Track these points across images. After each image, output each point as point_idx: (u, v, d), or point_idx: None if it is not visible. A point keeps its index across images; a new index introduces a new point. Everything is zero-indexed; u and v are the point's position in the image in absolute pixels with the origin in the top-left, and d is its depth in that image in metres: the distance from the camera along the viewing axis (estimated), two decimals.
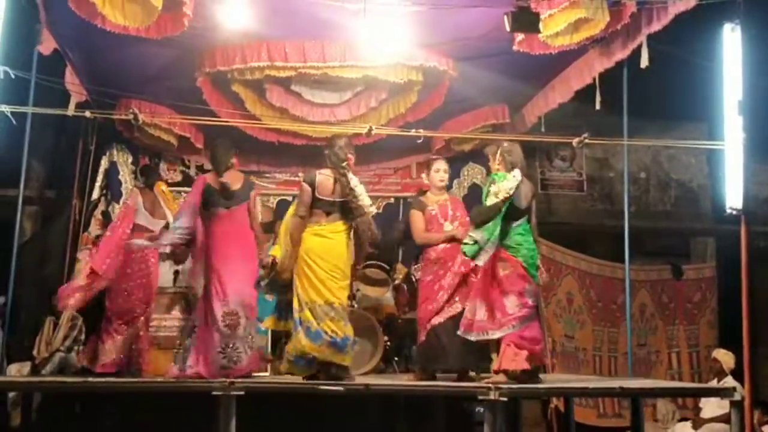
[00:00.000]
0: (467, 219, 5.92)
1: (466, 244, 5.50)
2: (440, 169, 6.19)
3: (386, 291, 7.84)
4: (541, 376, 7.10)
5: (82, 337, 7.36)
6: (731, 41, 6.10)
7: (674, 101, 9.52)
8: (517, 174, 5.50)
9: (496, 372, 5.47)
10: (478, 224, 5.47)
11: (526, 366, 5.39)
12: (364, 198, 5.62)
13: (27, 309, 8.07)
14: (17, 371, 7.17)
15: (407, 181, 9.28)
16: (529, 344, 5.42)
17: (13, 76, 6.15)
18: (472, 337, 5.52)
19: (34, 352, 7.26)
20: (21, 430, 6.71)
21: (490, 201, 5.46)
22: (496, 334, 5.45)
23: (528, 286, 5.47)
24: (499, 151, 5.67)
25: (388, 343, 7.45)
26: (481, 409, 5.85)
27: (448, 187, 9.03)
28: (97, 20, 5.79)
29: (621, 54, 6.52)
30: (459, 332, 5.59)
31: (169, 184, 8.58)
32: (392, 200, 9.21)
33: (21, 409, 6.75)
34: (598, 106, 6.89)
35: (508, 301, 5.43)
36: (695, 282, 9.61)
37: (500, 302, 5.46)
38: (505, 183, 5.43)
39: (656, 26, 6.04)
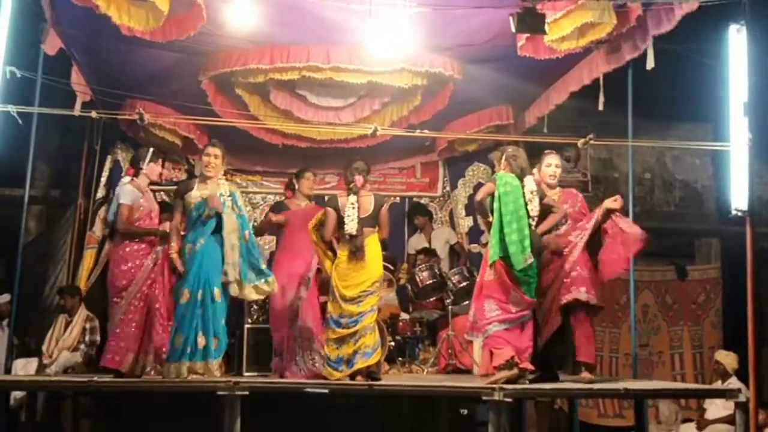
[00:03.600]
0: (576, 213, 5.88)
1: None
2: (551, 164, 5.94)
3: (391, 291, 7.85)
4: None
5: (98, 338, 7.40)
6: (737, 42, 6.08)
7: (679, 102, 9.51)
8: (528, 182, 5.53)
9: (494, 370, 5.49)
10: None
11: (511, 354, 5.38)
12: (349, 222, 5.77)
13: (32, 307, 8.10)
14: (23, 366, 7.19)
15: (412, 180, 9.35)
16: (507, 344, 5.39)
17: (18, 76, 6.16)
18: (469, 337, 5.76)
19: (44, 348, 7.31)
20: (25, 428, 6.73)
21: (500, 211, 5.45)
22: (478, 338, 5.57)
23: (512, 294, 5.42)
24: (504, 157, 5.67)
25: (392, 344, 7.46)
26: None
27: (454, 187, 9.17)
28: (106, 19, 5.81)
29: (626, 56, 6.51)
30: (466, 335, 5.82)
31: (174, 183, 8.66)
32: (397, 199, 9.25)
33: (26, 407, 6.77)
34: (601, 107, 6.89)
35: (487, 305, 5.45)
36: (700, 283, 9.60)
37: (481, 306, 5.50)
38: (532, 206, 5.50)
39: (661, 29, 6.02)
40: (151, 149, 6.13)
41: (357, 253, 5.75)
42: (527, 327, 5.53)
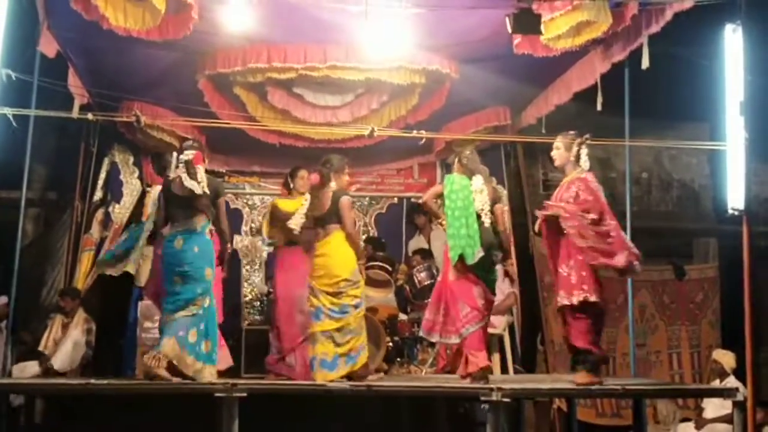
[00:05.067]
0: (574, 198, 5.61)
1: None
2: (553, 148, 5.82)
3: (389, 292, 7.84)
4: (543, 375, 7.10)
5: (93, 340, 7.42)
6: (732, 42, 6.10)
7: (676, 101, 9.51)
8: (476, 180, 5.77)
9: (463, 377, 5.69)
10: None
11: (486, 363, 5.65)
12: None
13: (29, 310, 8.09)
14: (21, 371, 7.19)
15: (410, 181, 9.35)
16: (484, 346, 5.66)
17: (14, 78, 6.15)
18: (434, 339, 5.88)
19: (41, 348, 7.32)
20: (25, 429, 6.71)
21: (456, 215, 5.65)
22: (453, 339, 5.73)
23: (476, 288, 5.64)
24: (457, 159, 5.92)
25: (390, 344, 7.45)
26: (486, 407, 5.89)
27: None
28: (103, 22, 5.81)
29: (622, 55, 6.53)
30: (421, 333, 5.99)
31: None
32: (395, 200, 9.26)
33: (24, 408, 6.76)
34: (599, 107, 6.90)
35: (460, 306, 5.64)
36: (697, 282, 9.60)
37: (454, 307, 5.67)
38: (479, 201, 5.72)
39: (657, 27, 6.05)
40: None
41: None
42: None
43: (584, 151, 5.63)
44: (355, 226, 5.98)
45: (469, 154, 5.96)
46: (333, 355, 5.69)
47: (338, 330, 5.73)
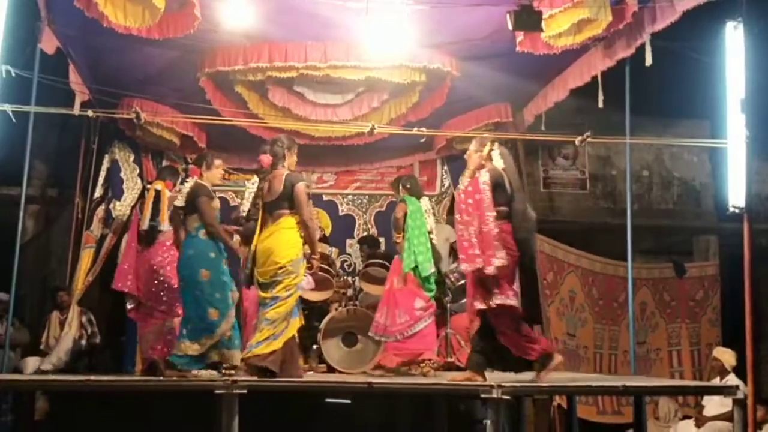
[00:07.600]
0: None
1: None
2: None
3: None
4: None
5: (96, 334, 7.44)
6: (734, 39, 6.08)
7: (677, 99, 9.52)
8: (423, 201, 6.56)
9: (375, 367, 6.46)
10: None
11: (395, 364, 6.32)
12: None
13: (30, 307, 8.10)
14: (34, 365, 7.21)
15: None
16: (409, 348, 6.28)
17: (14, 75, 6.14)
18: (376, 337, 6.42)
19: (42, 347, 7.33)
20: (24, 428, 6.72)
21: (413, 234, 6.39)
22: (387, 338, 6.36)
23: (418, 300, 6.31)
24: (400, 185, 6.66)
25: None
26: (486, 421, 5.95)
27: (456, 184, 9.11)
28: (102, 20, 5.81)
29: (624, 53, 6.52)
30: (369, 332, 6.45)
31: None
32: (396, 199, 9.22)
33: (23, 408, 6.77)
34: (600, 104, 6.89)
35: (398, 311, 6.28)
36: (698, 280, 9.62)
37: (393, 312, 6.30)
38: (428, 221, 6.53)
39: (659, 25, 6.05)
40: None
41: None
42: (432, 326, 6.44)
43: (496, 151, 5.51)
44: (310, 213, 5.52)
45: (406, 179, 6.78)
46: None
47: (269, 320, 5.35)
